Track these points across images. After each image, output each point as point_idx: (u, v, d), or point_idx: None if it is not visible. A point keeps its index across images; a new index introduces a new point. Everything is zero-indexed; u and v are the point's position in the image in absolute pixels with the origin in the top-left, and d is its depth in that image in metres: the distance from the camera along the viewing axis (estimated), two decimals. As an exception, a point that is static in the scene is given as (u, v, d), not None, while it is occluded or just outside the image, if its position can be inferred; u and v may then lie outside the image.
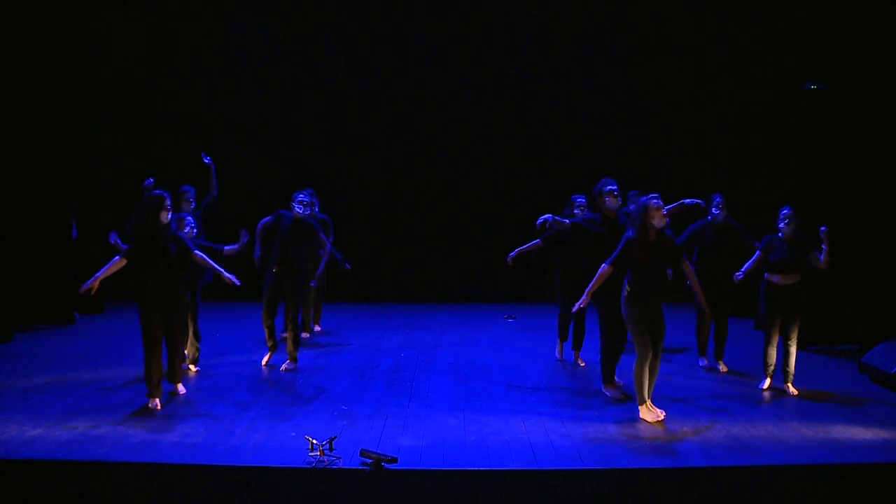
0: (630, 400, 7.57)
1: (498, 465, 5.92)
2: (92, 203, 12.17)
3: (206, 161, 9.46)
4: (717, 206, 8.74)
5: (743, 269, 7.98)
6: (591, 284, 7.04)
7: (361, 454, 5.94)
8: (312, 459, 5.91)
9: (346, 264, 10.12)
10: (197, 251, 7.49)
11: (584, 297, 7.06)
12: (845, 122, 9.82)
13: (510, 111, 13.75)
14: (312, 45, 13.58)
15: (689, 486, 5.88)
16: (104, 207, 12.41)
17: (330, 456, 5.96)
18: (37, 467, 5.91)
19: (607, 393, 7.79)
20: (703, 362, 9.03)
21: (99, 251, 12.10)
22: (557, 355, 9.41)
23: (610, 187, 7.91)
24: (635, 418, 7.07)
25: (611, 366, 7.83)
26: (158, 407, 7.26)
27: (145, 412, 7.17)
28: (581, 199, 9.03)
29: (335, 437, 6.17)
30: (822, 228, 7.69)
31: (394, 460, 5.85)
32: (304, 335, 10.44)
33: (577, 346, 9.09)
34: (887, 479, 5.97)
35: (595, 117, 13.65)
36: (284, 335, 10.25)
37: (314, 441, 6.04)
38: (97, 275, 7.20)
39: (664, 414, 7.03)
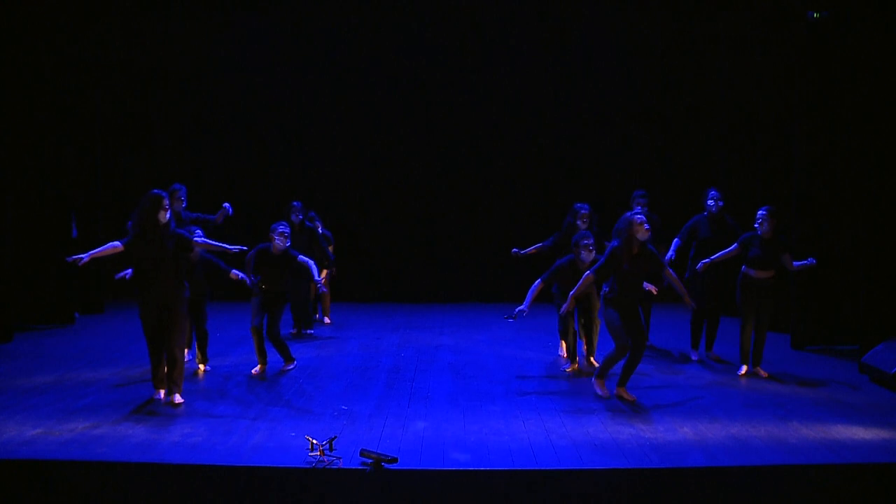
0: (634, 406, 7.60)
1: (498, 465, 5.92)
2: (92, 203, 12.16)
3: (228, 210, 9.52)
4: (712, 199, 9.14)
5: (711, 258, 8.57)
6: (574, 289, 7.75)
7: (361, 454, 5.94)
8: (312, 459, 5.91)
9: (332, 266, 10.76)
10: (198, 239, 7.66)
11: (567, 301, 7.78)
12: (845, 122, 9.81)
13: (510, 111, 13.74)
14: (312, 46, 13.58)
15: (689, 486, 5.88)
16: (104, 207, 12.42)
17: (330, 456, 5.96)
18: (37, 467, 5.91)
19: (597, 391, 7.72)
20: (695, 356, 9.37)
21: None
22: (562, 354, 9.36)
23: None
24: (636, 418, 7.08)
25: (609, 366, 7.74)
26: (162, 397, 7.42)
27: (145, 412, 7.17)
28: (585, 208, 9.24)
29: (335, 437, 6.17)
30: (811, 260, 8.43)
31: (394, 460, 5.85)
32: (308, 332, 10.65)
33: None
34: (887, 479, 5.97)
35: (595, 117, 13.64)
36: (292, 331, 10.52)
37: (314, 441, 6.04)
38: (92, 252, 7.26)
39: (610, 395, 7.66)
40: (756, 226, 8.42)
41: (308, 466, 5.83)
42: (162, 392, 7.46)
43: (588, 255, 8.40)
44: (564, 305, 7.84)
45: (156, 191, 7.32)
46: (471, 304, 13.41)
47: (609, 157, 13.54)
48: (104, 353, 9.58)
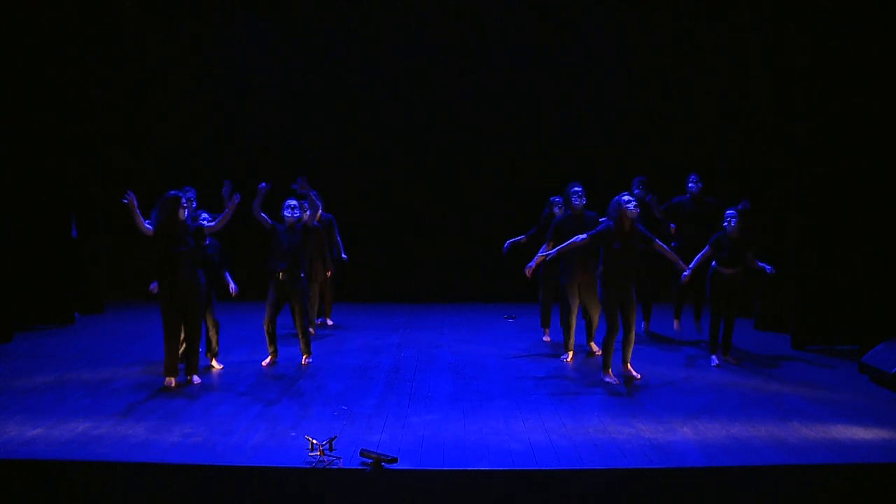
0: (634, 390, 7.60)
1: (498, 465, 5.92)
2: (92, 203, 12.16)
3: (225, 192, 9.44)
4: (692, 182, 10.29)
5: (690, 267, 8.94)
6: (563, 245, 8.38)
7: (361, 454, 5.94)
8: (312, 459, 5.92)
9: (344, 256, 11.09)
10: (206, 223, 8.23)
11: (553, 251, 8.48)
12: (845, 123, 9.80)
13: (511, 112, 13.73)
14: (312, 46, 13.58)
15: (689, 486, 5.88)
16: (104, 207, 12.42)
17: (330, 456, 5.96)
18: (37, 467, 5.91)
19: (606, 379, 8.24)
20: (676, 325, 10.39)
21: (97, 250, 12.27)
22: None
23: (575, 189, 9.37)
24: (636, 418, 7.09)
25: (608, 351, 8.28)
26: (173, 384, 7.96)
27: (145, 412, 7.17)
28: (558, 199, 10.18)
29: (335, 437, 6.17)
30: (771, 269, 8.91)
31: (394, 460, 5.85)
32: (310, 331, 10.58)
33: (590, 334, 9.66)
34: (887, 479, 5.97)
35: (595, 117, 13.64)
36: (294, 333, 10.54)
37: (314, 441, 6.05)
38: (136, 213, 7.84)
39: (618, 381, 8.20)
40: (725, 224, 8.92)
41: (308, 466, 5.83)
42: (173, 380, 8.00)
43: (580, 201, 9.23)
44: (551, 251, 8.53)
45: (173, 192, 8.04)
46: (471, 304, 13.40)
47: (609, 157, 13.53)
48: (104, 353, 9.58)
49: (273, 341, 8.96)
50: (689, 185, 10.34)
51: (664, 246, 8.54)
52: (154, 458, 5.99)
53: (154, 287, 8.19)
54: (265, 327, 8.90)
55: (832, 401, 7.69)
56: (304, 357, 9.06)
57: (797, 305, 9.98)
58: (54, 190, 11.36)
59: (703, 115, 13.37)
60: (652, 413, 7.25)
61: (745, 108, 12.01)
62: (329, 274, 10.98)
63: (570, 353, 9.29)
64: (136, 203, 7.85)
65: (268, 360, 9.02)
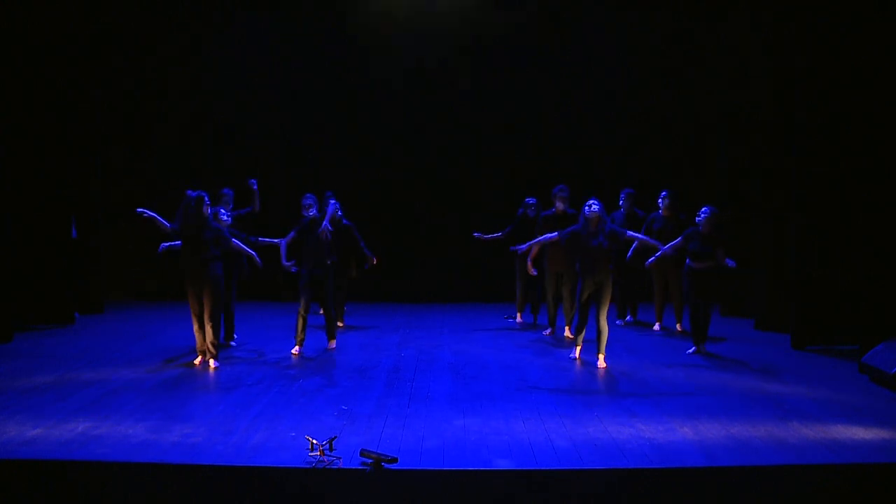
0: (633, 390, 7.61)
1: (498, 466, 5.93)
2: (92, 203, 12.15)
3: (252, 184, 10.59)
4: (661, 199, 10.81)
5: (656, 255, 9.42)
6: (537, 240, 9.46)
7: (361, 454, 5.95)
8: (312, 459, 5.92)
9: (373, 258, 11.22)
10: (234, 240, 9.05)
11: (527, 244, 9.51)
12: (845, 123, 9.80)
13: (511, 113, 13.73)
14: (311, 46, 13.58)
15: (689, 486, 5.88)
16: (104, 207, 12.41)
17: (330, 456, 5.96)
18: (37, 467, 5.92)
19: (570, 355, 9.32)
20: (658, 327, 11.05)
21: (96, 250, 12.27)
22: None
23: (562, 194, 10.57)
24: (636, 418, 7.09)
25: (579, 337, 9.24)
26: (198, 363, 8.84)
27: (145, 412, 7.17)
28: (532, 200, 11.15)
29: (335, 437, 6.17)
30: (732, 263, 9.28)
31: (394, 460, 5.85)
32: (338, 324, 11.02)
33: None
34: (887, 479, 5.97)
35: (595, 117, 13.65)
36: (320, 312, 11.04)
37: (314, 441, 6.05)
38: (157, 217, 8.89)
39: (580, 361, 9.14)
40: (697, 220, 9.34)
41: (308, 466, 5.83)
42: (200, 358, 8.87)
43: (563, 204, 10.42)
44: (522, 246, 9.57)
45: (197, 191, 8.79)
46: (471, 304, 13.40)
47: (609, 157, 13.54)
48: (104, 353, 9.58)
49: (303, 330, 9.53)
50: (659, 201, 10.86)
51: (637, 235, 9.32)
52: (154, 458, 5.99)
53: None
54: (300, 315, 9.54)
55: (832, 401, 7.69)
56: (329, 342, 9.87)
57: (797, 305, 9.98)
58: (54, 190, 11.35)
59: (703, 115, 13.38)
60: (652, 413, 7.24)
61: (745, 108, 12.01)
62: (374, 261, 11.11)
63: (552, 329, 10.77)
64: (150, 214, 8.83)
65: (295, 348, 9.58)
